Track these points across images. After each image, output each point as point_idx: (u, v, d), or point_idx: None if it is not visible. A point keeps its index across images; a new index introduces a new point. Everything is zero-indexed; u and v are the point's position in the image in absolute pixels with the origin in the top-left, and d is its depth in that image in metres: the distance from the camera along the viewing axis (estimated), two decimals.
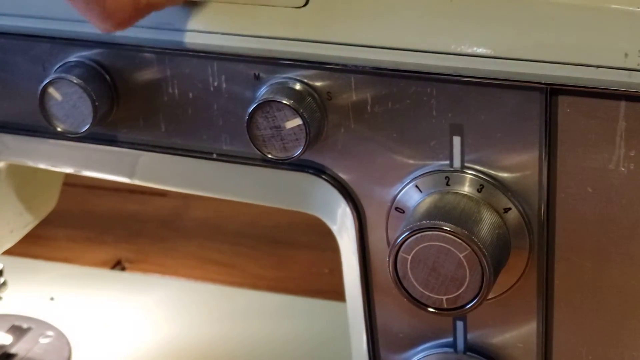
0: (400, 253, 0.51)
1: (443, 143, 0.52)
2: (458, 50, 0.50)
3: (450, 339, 0.57)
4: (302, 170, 0.56)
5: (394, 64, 0.51)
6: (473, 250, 0.50)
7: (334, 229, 0.59)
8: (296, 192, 0.58)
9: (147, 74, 0.57)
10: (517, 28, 0.49)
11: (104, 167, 0.63)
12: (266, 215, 1.04)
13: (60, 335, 0.84)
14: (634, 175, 0.49)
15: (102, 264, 1.01)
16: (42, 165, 0.65)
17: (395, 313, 0.58)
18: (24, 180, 0.75)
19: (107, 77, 0.57)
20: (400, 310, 0.57)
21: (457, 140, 0.52)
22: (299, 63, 0.53)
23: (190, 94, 0.56)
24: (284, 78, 0.53)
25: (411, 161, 0.53)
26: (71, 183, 0.86)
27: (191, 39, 0.55)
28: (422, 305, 0.52)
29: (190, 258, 1.01)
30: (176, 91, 0.57)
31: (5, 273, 0.82)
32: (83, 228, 1.07)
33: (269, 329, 0.85)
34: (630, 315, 0.53)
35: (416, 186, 0.53)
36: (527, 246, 0.53)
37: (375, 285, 0.57)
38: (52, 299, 0.90)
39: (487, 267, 0.50)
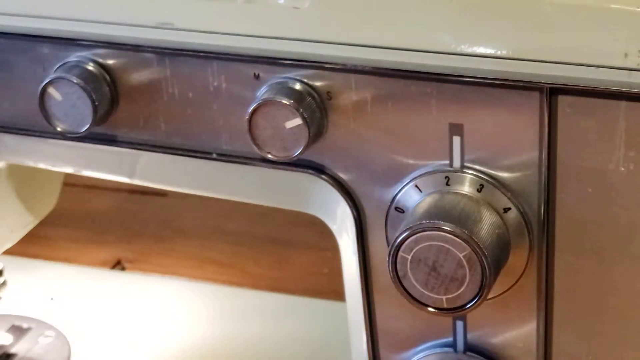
0: (400, 253, 0.51)
1: (443, 143, 0.52)
2: (458, 50, 0.50)
3: (450, 339, 0.57)
4: (302, 170, 0.56)
5: (394, 64, 0.51)
6: (473, 250, 0.50)
7: (334, 229, 0.59)
8: (296, 192, 0.58)
9: (147, 74, 0.57)
10: (517, 28, 0.49)
11: (104, 167, 0.63)
12: (266, 215, 1.04)
13: (60, 335, 0.84)
14: (634, 175, 0.49)
15: (102, 264, 1.01)
16: (42, 165, 0.65)
17: (395, 313, 0.58)
18: (24, 180, 0.75)
19: (107, 77, 0.57)
20: (400, 310, 0.57)
21: (457, 140, 0.52)
22: (299, 63, 0.53)
23: (190, 94, 0.56)
24: (284, 78, 0.53)
25: (411, 161, 0.53)
26: (71, 183, 0.86)
27: (191, 39, 0.55)
28: (422, 305, 0.52)
29: (190, 258, 1.01)
30: (176, 91, 0.57)
31: (5, 273, 0.82)
32: (83, 228, 1.07)
33: (269, 329, 0.85)
34: (630, 316, 0.53)
35: (416, 186, 0.53)
36: (527, 246, 0.53)
37: (375, 285, 0.57)
38: (52, 299, 0.90)
39: (487, 267, 0.50)
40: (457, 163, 0.52)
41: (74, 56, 0.58)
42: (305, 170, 0.56)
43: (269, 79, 0.54)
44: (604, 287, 0.52)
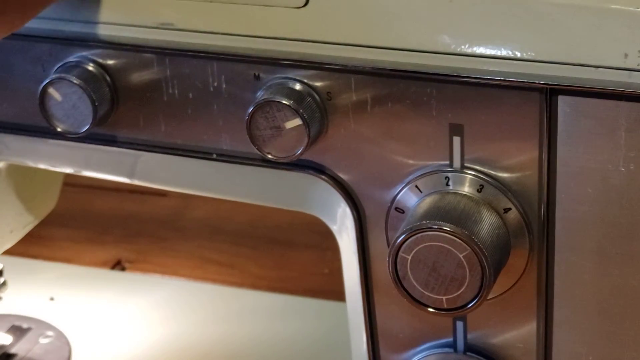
0: (400, 253, 0.51)
1: (443, 143, 0.52)
2: (458, 50, 0.50)
3: (450, 339, 0.57)
4: (302, 170, 0.56)
5: (394, 64, 0.51)
6: (473, 250, 0.50)
7: (334, 229, 0.59)
8: (296, 192, 0.58)
9: (147, 74, 0.57)
10: (517, 28, 0.49)
11: (104, 167, 0.63)
12: (266, 215, 1.04)
13: (60, 335, 0.84)
14: (634, 175, 0.49)
15: (102, 264, 1.01)
16: (42, 165, 0.65)
17: (395, 313, 0.58)
18: (24, 180, 0.75)
19: (107, 77, 0.57)
20: (400, 310, 0.57)
21: (457, 140, 0.52)
22: (299, 63, 0.53)
23: (190, 94, 0.56)
24: (284, 78, 0.53)
25: (411, 161, 0.53)
26: (71, 183, 0.86)
27: (191, 39, 0.55)
28: (422, 305, 0.52)
29: (190, 258, 1.01)
30: (176, 91, 0.57)
31: (5, 273, 0.82)
32: (83, 228, 1.07)
33: (269, 329, 0.85)
34: (630, 315, 0.53)
35: (416, 186, 0.53)
36: (527, 246, 0.53)
37: (375, 285, 0.57)
38: (52, 299, 0.90)
39: (487, 268, 0.50)
40: (457, 163, 0.52)
41: (74, 56, 0.58)
42: (305, 170, 0.56)
43: (269, 79, 0.54)
44: (604, 287, 0.52)
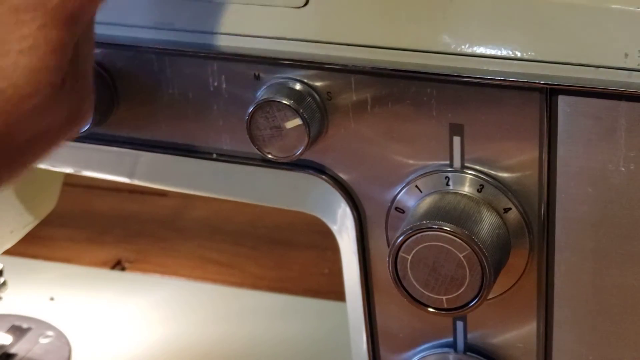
0: (400, 253, 0.51)
1: (443, 143, 0.52)
2: (458, 50, 0.50)
3: (450, 339, 0.57)
4: (302, 170, 0.56)
5: (394, 64, 0.51)
6: (473, 250, 0.50)
7: (334, 229, 0.59)
8: (296, 192, 0.58)
9: (147, 74, 0.57)
10: (517, 28, 0.49)
11: (104, 167, 0.63)
12: (266, 215, 1.04)
13: (60, 335, 0.84)
14: (634, 175, 0.49)
15: (102, 264, 1.01)
16: (42, 165, 0.65)
17: (395, 313, 0.58)
18: (24, 180, 0.75)
19: (107, 77, 0.57)
20: (400, 310, 0.57)
21: (457, 140, 0.52)
22: (299, 63, 0.53)
23: (190, 94, 0.56)
24: (284, 78, 0.53)
25: (411, 161, 0.53)
26: (71, 183, 0.86)
27: (191, 39, 0.55)
28: (422, 305, 0.52)
29: (190, 258, 1.01)
30: (176, 91, 0.57)
31: (5, 273, 0.82)
32: (83, 228, 1.07)
33: (269, 329, 0.85)
34: (630, 315, 0.53)
35: (416, 186, 0.53)
36: (527, 246, 0.53)
37: (375, 285, 0.57)
38: (52, 299, 0.90)
39: (487, 268, 0.50)
40: (457, 163, 0.52)
41: None
42: (305, 170, 0.56)
43: (269, 79, 0.54)
44: (604, 287, 0.52)
